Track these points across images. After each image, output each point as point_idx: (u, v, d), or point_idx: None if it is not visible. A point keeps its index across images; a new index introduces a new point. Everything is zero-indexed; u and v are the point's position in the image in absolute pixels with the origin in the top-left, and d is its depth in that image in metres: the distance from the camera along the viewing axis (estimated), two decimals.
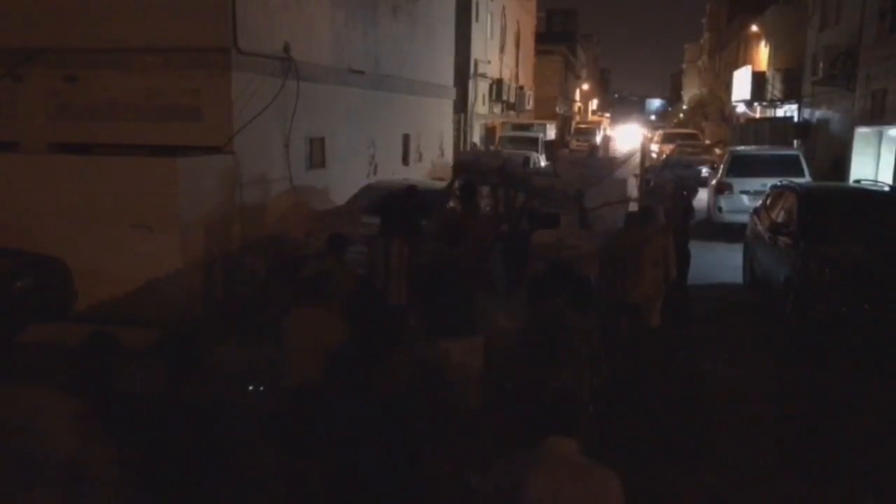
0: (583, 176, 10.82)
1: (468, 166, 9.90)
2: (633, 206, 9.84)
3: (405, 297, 6.62)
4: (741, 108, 33.97)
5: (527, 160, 19.26)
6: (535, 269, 6.34)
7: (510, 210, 8.51)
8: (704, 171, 21.78)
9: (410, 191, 8.14)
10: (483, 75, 26.95)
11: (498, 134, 28.16)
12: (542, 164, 21.37)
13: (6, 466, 2.86)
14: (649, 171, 12.26)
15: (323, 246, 6.37)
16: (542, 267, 5.67)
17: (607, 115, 73.40)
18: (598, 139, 34.81)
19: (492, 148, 22.86)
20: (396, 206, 7.51)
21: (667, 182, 11.62)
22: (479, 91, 26.97)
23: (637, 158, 11.90)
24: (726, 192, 15.97)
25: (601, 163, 14.31)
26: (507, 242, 7.55)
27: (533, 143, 25.21)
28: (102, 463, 2.94)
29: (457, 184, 8.60)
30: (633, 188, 11.50)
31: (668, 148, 28.68)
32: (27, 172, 8.76)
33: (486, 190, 9.24)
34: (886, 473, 5.56)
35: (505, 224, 8.11)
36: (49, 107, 9.93)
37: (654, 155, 22.55)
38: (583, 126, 49.69)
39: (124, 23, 9.47)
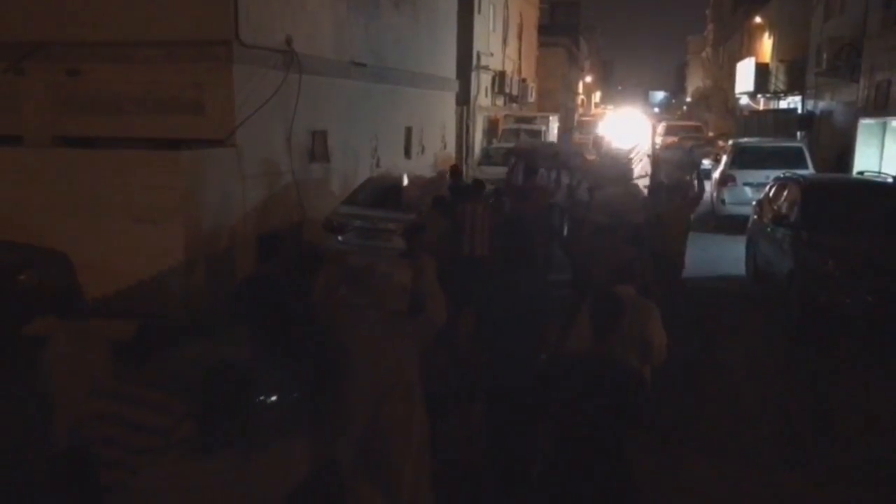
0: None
1: (526, 152, 11.88)
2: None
3: (487, 248, 8.10)
4: (745, 100, 33.86)
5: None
6: (596, 219, 7.98)
7: (563, 184, 10.97)
8: (706, 162, 21.72)
9: (479, 181, 10.02)
10: (485, 68, 26.86)
11: (500, 126, 28.10)
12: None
13: (371, 382, 3.69)
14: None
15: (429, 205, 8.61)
16: (604, 217, 7.66)
17: (610, 107, 73.19)
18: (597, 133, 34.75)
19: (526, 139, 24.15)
20: (479, 182, 9.84)
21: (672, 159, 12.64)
22: (482, 83, 26.88)
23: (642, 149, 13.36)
24: (729, 184, 15.95)
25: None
26: (566, 204, 10.19)
27: (535, 136, 25.14)
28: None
29: (518, 166, 10.58)
30: (647, 166, 13.20)
31: (671, 140, 28.64)
32: (30, 166, 8.77)
33: (542, 171, 11.15)
34: (889, 465, 5.56)
35: (559, 193, 10.59)
36: (51, 100, 9.93)
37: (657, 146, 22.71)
38: (586, 119, 49.58)
39: (126, 16, 9.46)
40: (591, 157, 14.92)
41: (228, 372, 2.54)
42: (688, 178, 9.86)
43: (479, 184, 9.58)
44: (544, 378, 3.65)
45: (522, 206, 9.17)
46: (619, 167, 12.25)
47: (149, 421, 2.93)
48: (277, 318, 4.29)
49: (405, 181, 10.72)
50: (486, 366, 4.58)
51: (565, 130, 38.08)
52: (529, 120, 28.78)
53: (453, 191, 9.64)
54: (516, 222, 8.26)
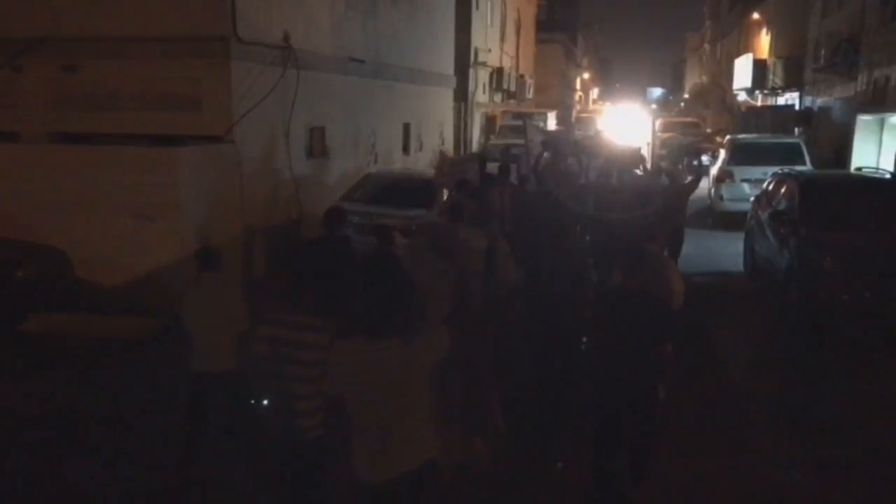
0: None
1: (555, 141, 13.24)
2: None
3: (510, 225, 8.72)
4: (743, 97, 33.88)
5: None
6: (624, 198, 9.13)
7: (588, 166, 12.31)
8: (705, 158, 21.77)
9: (504, 167, 10.62)
10: (483, 64, 26.84)
11: (498, 123, 28.08)
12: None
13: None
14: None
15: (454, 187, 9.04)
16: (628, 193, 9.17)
17: (608, 103, 73.18)
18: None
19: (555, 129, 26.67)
20: (505, 167, 10.52)
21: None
22: (480, 80, 26.86)
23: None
24: (727, 181, 15.95)
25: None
26: (597, 184, 10.68)
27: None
28: None
29: (546, 153, 11.71)
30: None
31: (668, 135, 28.74)
32: (27, 163, 8.75)
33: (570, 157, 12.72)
34: (883, 459, 5.58)
35: (584, 176, 11.71)
36: (49, 97, 9.91)
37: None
38: (584, 115, 49.57)
39: (124, 12, 9.44)
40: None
41: (398, 278, 3.46)
42: (680, 166, 11.53)
43: (505, 169, 10.32)
44: (596, 307, 4.83)
45: (552, 188, 10.00)
46: (634, 153, 14.08)
47: (310, 339, 3.76)
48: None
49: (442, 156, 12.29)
50: (539, 310, 5.55)
51: (565, 124, 39.02)
52: (527, 116, 28.74)
53: (482, 176, 10.45)
54: (552, 202, 8.70)
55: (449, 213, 6.35)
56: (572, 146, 13.51)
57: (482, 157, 12.24)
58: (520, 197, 9.38)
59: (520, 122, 26.66)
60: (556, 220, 6.19)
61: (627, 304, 4.49)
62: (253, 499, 4.39)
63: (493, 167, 10.52)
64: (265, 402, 3.87)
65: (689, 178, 10.29)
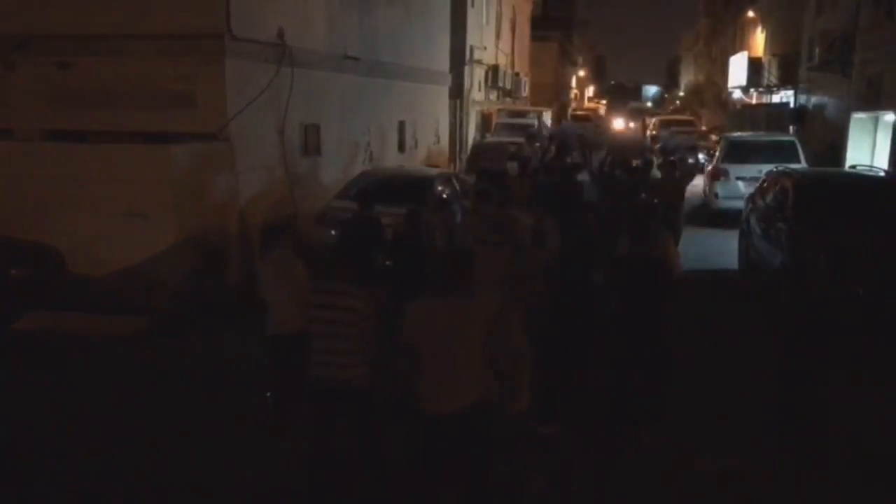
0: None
1: (562, 134, 15.66)
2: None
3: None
4: (737, 94, 33.92)
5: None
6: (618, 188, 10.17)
7: (591, 158, 13.48)
8: (701, 156, 21.86)
9: (524, 161, 12.06)
10: (479, 62, 26.82)
11: (494, 120, 28.07)
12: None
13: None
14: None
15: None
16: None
17: (603, 101, 73.23)
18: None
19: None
20: (525, 159, 12.12)
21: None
22: (475, 77, 26.85)
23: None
24: (722, 179, 15.97)
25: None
26: (596, 175, 11.71)
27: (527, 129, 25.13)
28: None
29: (553, 144, 13.73)
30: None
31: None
32: (20, 160, 8.72)
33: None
34: (878, 456, 5.59)
35: (587, 166, 12.52)
36: (41, 94, 9.87)
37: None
38: (579, 113, 49.58)
39: (117, 9, 9.41)
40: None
41: (456, 250, 4.67)
42: (672, 158, 12.79)
43: (525, 161, 11.59)
44: (611, 269, 5.91)
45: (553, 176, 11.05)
46: (638, 142, 15.64)
47: (351, 304, 4.51)
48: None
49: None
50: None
51: (562, 118, 40.72)
52: (523, 114, 28.75)
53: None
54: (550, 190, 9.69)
55: (478, 198, 7.40)
56: (577, 140, 14.68)
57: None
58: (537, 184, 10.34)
59: (520, 120, 26.77)
60: (568, 202, 7.41)
61: (635, 266, 5.65)
62: (319, 442, 4.80)
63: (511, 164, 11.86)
64: (320, 358, 4.60)
65: (679, 174, 11.50)
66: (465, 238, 6.76)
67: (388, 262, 7.33)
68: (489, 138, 23.77)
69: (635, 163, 12.90)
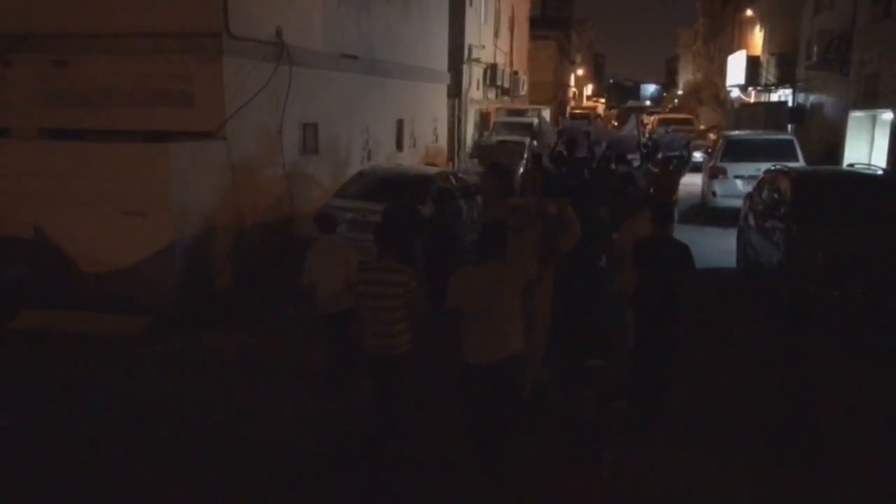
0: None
1: (569, 131, 16.04)
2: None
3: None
4: (736, 93, 33.91)
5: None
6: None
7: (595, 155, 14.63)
8: (698, 155, 21.93)
9: (536, 156, 13.33)
10: (477, 60, 26.80)
11: (492, 119, 28.05)
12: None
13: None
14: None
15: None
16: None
17: (602, 100, 73.21)
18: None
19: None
20: (538, 155, 13.31)
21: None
22: (474, 76, 26.82)
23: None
24: (720, 177, 15.98)
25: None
26: (596, 170, 12.62)
27: (527, 128, 25.10)
28: None
29: (562, 139, 14.69)
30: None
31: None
32: (18, 159, 8.70)
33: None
34: (875, 454, 5.60)
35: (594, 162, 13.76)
36: (39, 92, 9.85)
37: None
38: (578, 111, 49.57)
39: (114, 7, 9.39)
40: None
41: (497, 223, 5.23)
42: (669, 154, 14.01)
43: (538, 157, 12.67)
44: (636, 250, 6.26)
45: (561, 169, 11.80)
46: (634, 138, 15.80)
47: (395, 279, 5.08)
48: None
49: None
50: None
51: (561, 114, 41.58)
52: (521, 113, 28.72)
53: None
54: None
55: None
56: (585, 137, 15.58)
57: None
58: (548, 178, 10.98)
59: (518, 119, 26.81)
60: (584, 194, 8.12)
61: (659, 246, 6.23)
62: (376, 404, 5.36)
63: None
64: (367, 328, 5.17)
65: (672, 168, 13.05)
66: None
67: (421, 243, 8.44)
68: (487, 137, 23.76)
69: (631, 157, 13.75)
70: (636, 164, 13.72)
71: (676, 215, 11.28)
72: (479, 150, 20.15)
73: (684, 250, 6.19)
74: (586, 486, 5.21)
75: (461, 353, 4.85)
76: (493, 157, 15.22)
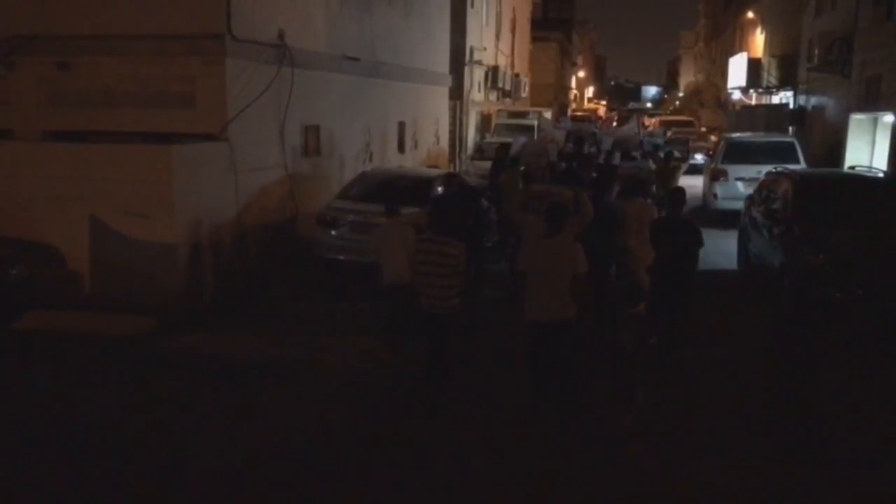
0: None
1: (577, 131, 17.75)
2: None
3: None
4: (737, 95, 33.92)
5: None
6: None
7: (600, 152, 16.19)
8: (699, 157, 21.97)
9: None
10: (479, 62, 26.84)
11: (493, 121, 28.08)
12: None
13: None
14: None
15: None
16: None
17: (603, 102, 73.20)
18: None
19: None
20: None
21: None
22: (475, 78, 26.86)
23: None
24: (721, 179, 15.99)
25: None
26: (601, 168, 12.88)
27: (528, 130, 25.13)
28: None
29: (571, 139, 16.51)
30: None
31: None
32: (21, 160, 8.73)
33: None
34: (878, 456, 5.61)
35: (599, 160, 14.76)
36: (42, 94, 9.89)
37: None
38: (579, 114, 49.59)
39: (117, 9, 9.42)
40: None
41: (554, 204, 6.23)
42: (668, 151, 15.56)
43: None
44: (654, 228, 7.54)
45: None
46: (634, 137, 18.04)
47: (449, 251, 6.06)
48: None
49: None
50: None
51: (561, 113, 42.35)
52: (522, 115, 28.75)
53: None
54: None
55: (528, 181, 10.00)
56: (591, 137, 17.13)
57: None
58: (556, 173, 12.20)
59: (520, 121, 26.86)
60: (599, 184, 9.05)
61: (675, 225, 7.43)
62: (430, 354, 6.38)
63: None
64: (422, 291, 6.18)
65: (672, 165, 14.53)
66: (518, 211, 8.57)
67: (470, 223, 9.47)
68: (489, 139, 23.80)
69: (634, 154, 15.42)
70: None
71: None
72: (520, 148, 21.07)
73: (693, 227, 7.38)
74: (621, 409, 6.19)
75: (528, 312, 5.96)
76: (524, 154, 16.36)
